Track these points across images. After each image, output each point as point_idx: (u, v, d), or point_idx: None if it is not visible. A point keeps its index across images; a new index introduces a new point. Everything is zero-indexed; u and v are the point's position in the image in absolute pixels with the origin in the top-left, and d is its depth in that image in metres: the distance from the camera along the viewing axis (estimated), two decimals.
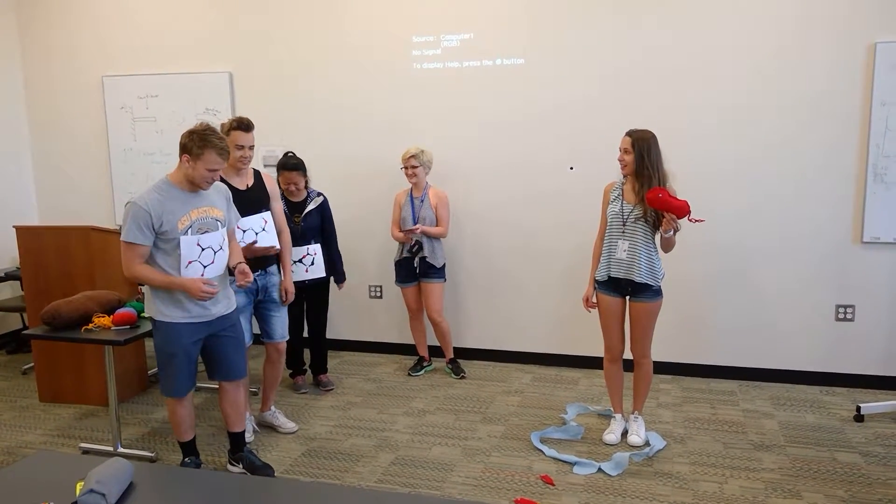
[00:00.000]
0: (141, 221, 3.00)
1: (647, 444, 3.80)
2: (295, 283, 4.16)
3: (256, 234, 3.77)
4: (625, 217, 3.64)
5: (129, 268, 3.06)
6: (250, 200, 3.76)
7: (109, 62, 5.82)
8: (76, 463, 2.15)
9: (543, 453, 3.73)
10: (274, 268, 3.97)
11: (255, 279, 3.76)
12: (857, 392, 4.55)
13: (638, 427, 3.87)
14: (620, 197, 3.69)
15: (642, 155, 3.57)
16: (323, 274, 4.52)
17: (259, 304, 3.93)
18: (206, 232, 3.15)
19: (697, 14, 4.58)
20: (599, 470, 3.53)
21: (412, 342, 5.19)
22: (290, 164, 4.41)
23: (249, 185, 3.84)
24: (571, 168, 4.92)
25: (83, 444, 3.93)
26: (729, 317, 4.76)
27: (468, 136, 5.09)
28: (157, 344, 3.22)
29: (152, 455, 3.75)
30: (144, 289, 3.28)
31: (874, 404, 4.14)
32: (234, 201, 3.47)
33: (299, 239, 4.39)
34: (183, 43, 5.62)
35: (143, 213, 3.01)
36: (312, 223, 4.49)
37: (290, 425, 4.08)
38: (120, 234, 3.11)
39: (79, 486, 1.87)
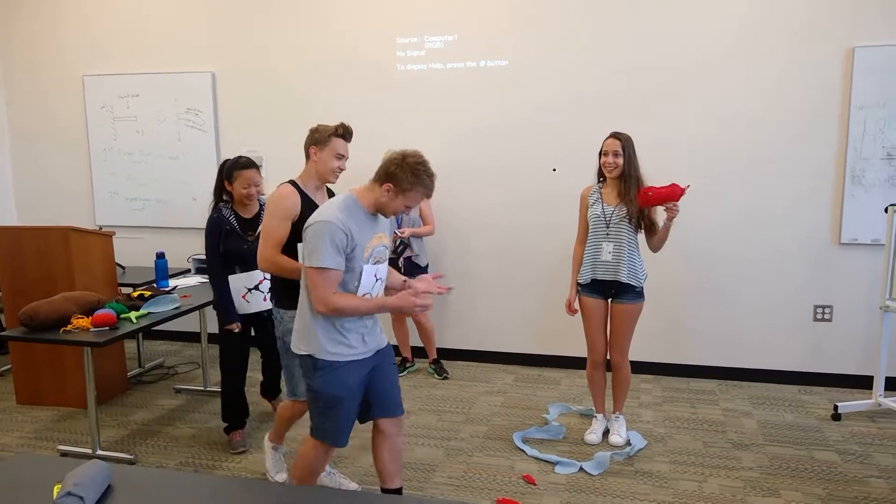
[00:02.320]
0: (339, 243, 2.55)
1: (627, 443, 3.83)
2: (250, 315, 3.75)
3: None
4: (608, 219, 3.66)
5: (326, 299, 2.56)
6: None
7: (90, 61, 5.77)
8: (54, 465, 2.13)
9: (525, 453, 3.75)
10: None
11: None
12: (835, 391, 4.61)
13: (619, 427, 3.89)
14: (600, 200, 3.72)
15: (630, 157, 3.61)
16: (262, 307, 3.79)
17: None
18: (378, 262, 2.73)
19: (679, 21, 4.62)
20: (581, 469, 3.55)
21: (395, 343, 5.19)
22: (246, 162, 3.67)
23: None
24: (554, 170, 4.94)
25: (61, 447, 3.89)
26: (709, 317, 4.81)
27: (452, 138, 5.10)
28: (317, 387, 2.70)
29: (132, 457, 3.72)
30: (296, 322, 2.76)
31: (851, 403, 4.20)
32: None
33: (253, 261, 3.42)
34: (165, 42, 5.59)
35: (340, 235, 2.55)
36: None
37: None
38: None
39: (56, 489, 1.86)
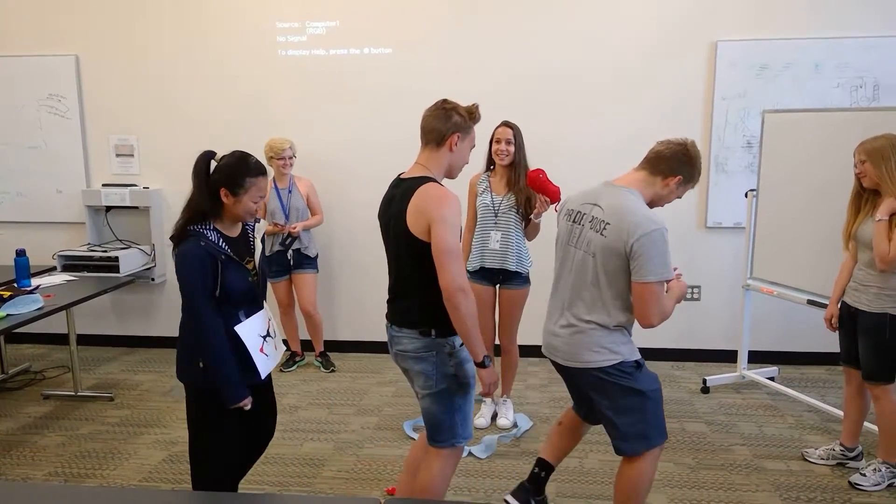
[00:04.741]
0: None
1: (514, 425, 3.93)
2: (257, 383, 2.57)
3: None
4: (496, 208, 3.72)
5: (665, 309, 2.42)
6: None
7: None
8: None
9: (415, 441, 3.76)
10: None
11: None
12: (704, 366, 4.91)
13: (506, 409, 3.99)
14: (489, 189, 3.78)
15: (520, 145, 3.69)
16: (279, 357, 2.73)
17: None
18: None
19: (556, 12, 4.75)
20: (469, 454, 3.61)
21: (283, 337, 5.07)
22: (258, 165, 2.51)
23: None
24: None
25: None
26: None
27: (335, 126, 5.02)
28: (644, 387, 2.53)
29: None
30: (588, 336, 2.51)
31: (718, 377, 4.50)
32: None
33: (259, 299, 2.61)
34: (22, 22, 5.15)
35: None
36: (262, 272, 2.68)
37: None
38: None
39: None
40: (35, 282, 4.24)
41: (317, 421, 4.06)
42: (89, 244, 5.17)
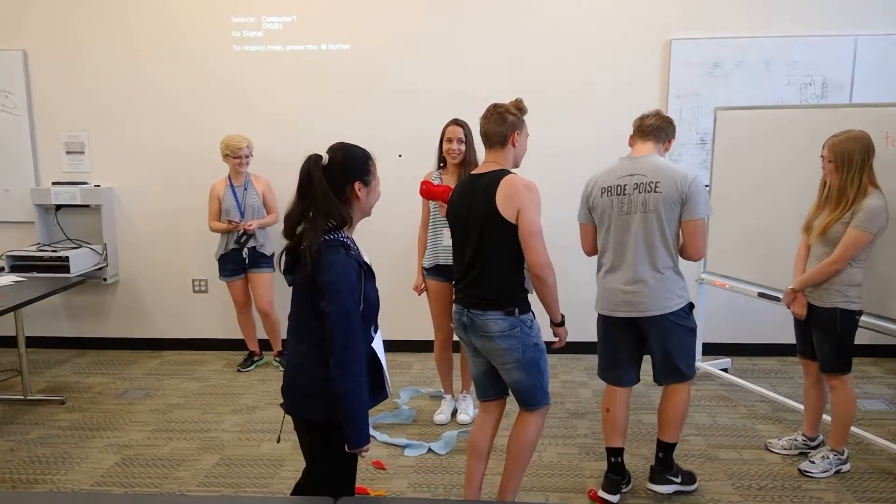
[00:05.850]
0: None
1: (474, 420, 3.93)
2: None
3: None
4: None
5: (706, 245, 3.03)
6: None
7: None
8: None
9: (376, 439, 3.75)
10: None
11: None
12: None
13: (466, 405, 4.00)
14: None
15: (470, 143, 3.71)
16: None
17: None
18: None
19: (509, 12, 4.77)
20: (429, 450, 3.61)
21: (240, 337, 5.01)
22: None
23: None
24: (400, 155, 4.95)
25: None
26: None
27: (293, 123, 4.97)
28: (694, 327, 3.13)
29: None
30: (656, 280, 2.95)
31: None
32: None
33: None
34: None
35: None
36: None
37: None
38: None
39: None
40: None
41: (274, 421, 4.01)
42: (38, 244, 5.03)
